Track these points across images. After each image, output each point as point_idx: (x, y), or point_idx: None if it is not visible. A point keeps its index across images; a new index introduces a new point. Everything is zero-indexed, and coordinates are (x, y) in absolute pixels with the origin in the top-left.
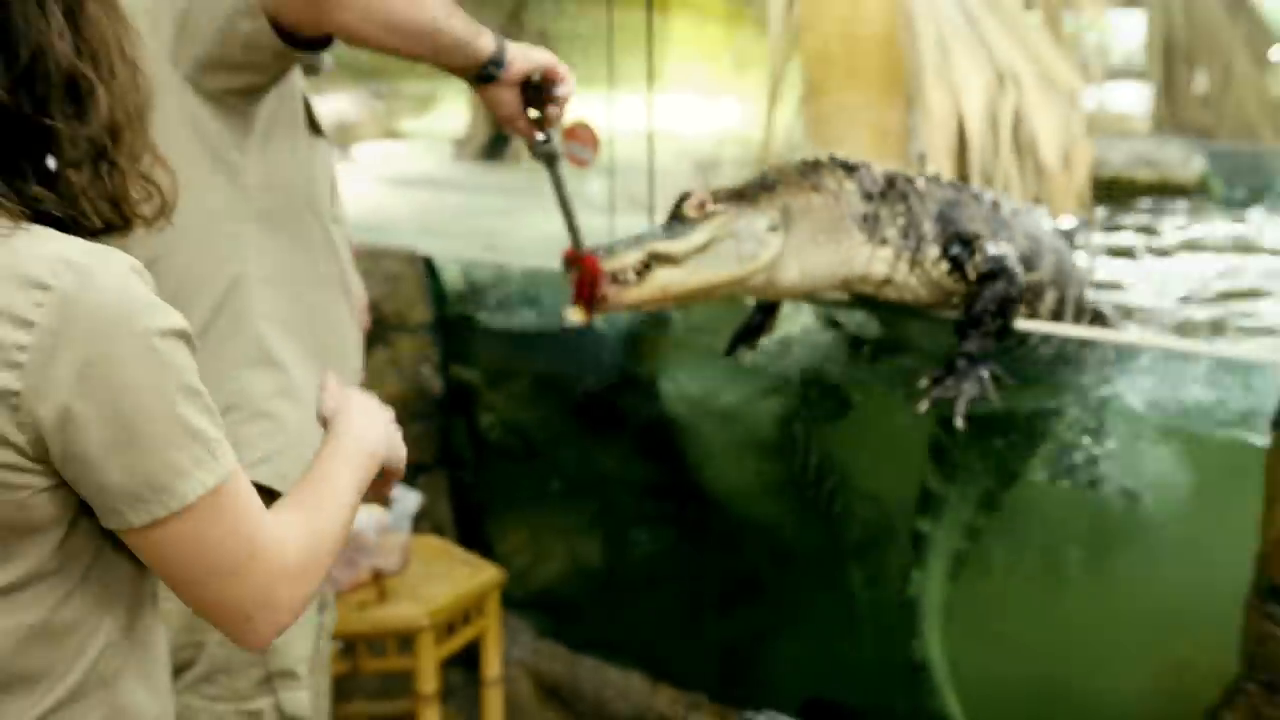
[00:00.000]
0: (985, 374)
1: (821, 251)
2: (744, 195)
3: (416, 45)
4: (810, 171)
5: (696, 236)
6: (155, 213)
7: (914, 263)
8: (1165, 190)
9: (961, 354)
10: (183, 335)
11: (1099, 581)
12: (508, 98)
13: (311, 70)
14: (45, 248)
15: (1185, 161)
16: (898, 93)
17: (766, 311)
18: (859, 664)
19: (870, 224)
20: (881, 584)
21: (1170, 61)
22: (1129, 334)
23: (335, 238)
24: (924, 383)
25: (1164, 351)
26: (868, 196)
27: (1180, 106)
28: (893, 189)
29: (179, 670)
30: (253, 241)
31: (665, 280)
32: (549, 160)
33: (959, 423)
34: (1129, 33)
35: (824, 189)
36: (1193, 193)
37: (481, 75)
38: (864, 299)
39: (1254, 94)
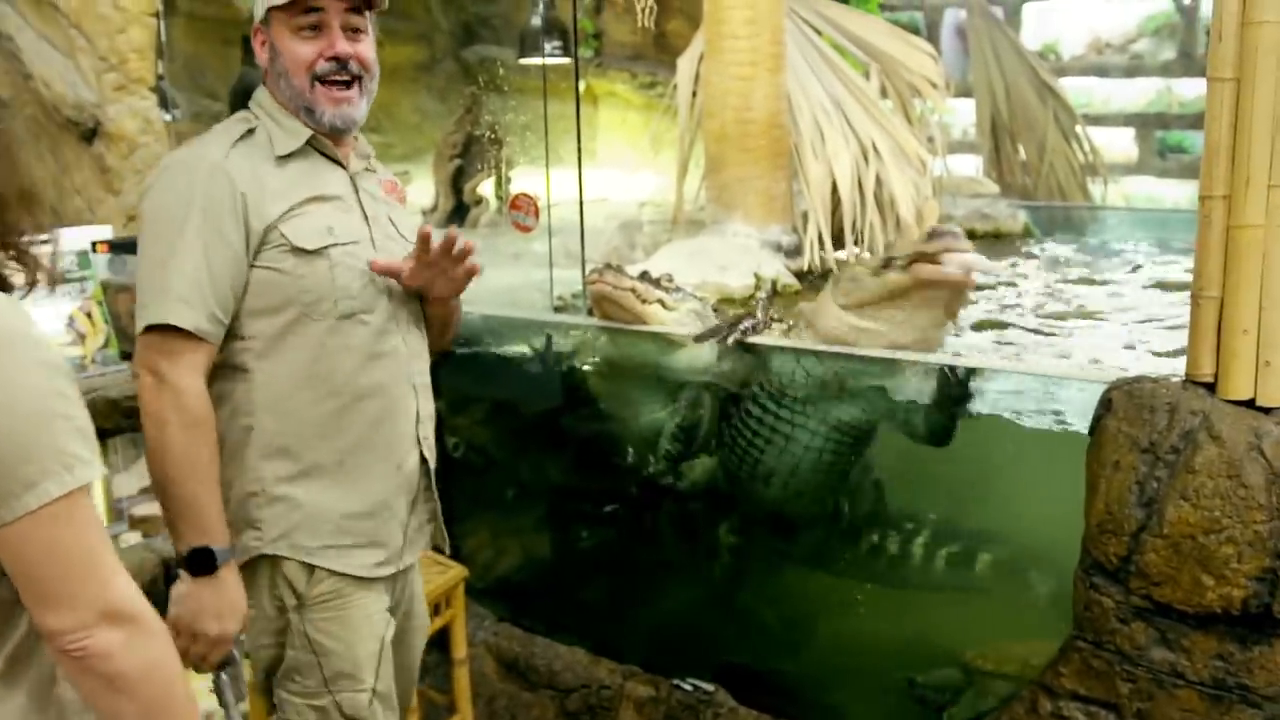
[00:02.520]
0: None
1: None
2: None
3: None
4: None
5: None
6: (29, 282)
7: None
8: (998, 237)
9: None
10: (60, 368)
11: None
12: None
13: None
14: None
15: (1013, 216)
16: (782, 165)
17: None
18: (759, 634)
19: None
20: (770, 569)
21: (998, 137)
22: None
23: (356, 322)
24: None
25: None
26: None
27: (1006, 172)
28: None
29: (271, 668)
30: (254, 363)
31: None
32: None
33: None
34: (965, 113)
35: None
36: (1018, 239)
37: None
38: None
39: (1063, 161)
